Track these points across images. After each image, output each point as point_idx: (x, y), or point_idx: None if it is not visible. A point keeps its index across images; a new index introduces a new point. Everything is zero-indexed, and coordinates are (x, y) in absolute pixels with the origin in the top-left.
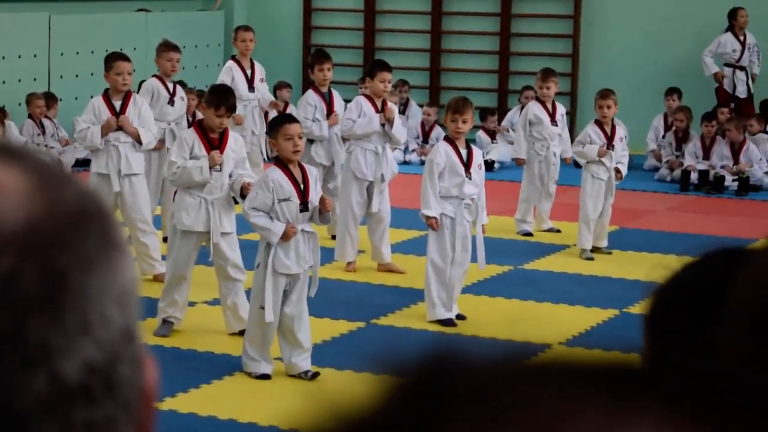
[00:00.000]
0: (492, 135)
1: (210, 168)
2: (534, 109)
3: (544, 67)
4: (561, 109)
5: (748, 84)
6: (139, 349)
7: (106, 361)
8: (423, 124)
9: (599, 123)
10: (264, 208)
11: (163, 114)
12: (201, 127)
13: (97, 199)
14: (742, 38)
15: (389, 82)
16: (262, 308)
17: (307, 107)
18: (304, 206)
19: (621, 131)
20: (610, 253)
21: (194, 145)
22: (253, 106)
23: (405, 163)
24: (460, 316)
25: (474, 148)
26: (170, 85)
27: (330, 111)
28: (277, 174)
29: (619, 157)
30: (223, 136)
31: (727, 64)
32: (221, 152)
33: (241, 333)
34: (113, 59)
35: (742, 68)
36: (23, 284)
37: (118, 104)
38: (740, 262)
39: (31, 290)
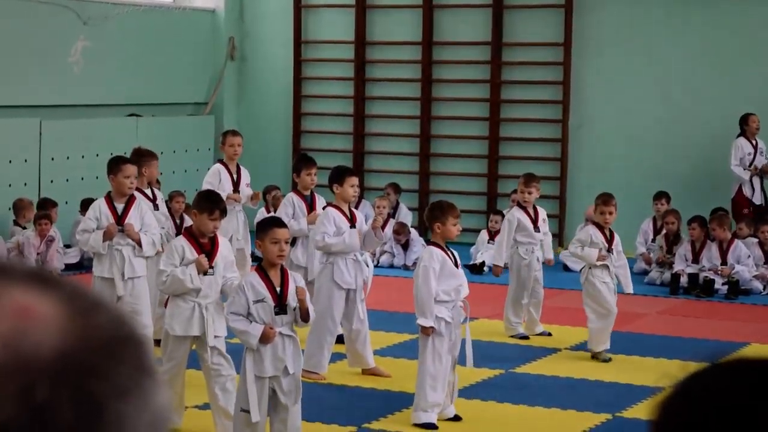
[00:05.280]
0: (492, 235)
1: (199, 273)
2: (517, 214)
3: (527, 172)
4: (542, 214)
5: (763, 188)
6: None
7: None
8: None
9: (599, 226)
10: (242, 311)
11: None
12: (191, 234)
13: (130, 325)
14: (754, 142)
15: (357, 186)
16: (244, 411)
17: (287, 207)
18: (280, 308)
19: (617, 238)
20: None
21: (185, 252)
22: (238, 211)
23: (390, 266)
24: (457, 417)
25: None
26: (147, 191)
27: (311, 212)
28: (251, 277)
29: (620, 269)
30: (214, 240)
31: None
32: (213, 256)
33: None
34: (120, 162)
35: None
36: (59, 414)
37: (120, 207)
38: None
39: (66, 420)
